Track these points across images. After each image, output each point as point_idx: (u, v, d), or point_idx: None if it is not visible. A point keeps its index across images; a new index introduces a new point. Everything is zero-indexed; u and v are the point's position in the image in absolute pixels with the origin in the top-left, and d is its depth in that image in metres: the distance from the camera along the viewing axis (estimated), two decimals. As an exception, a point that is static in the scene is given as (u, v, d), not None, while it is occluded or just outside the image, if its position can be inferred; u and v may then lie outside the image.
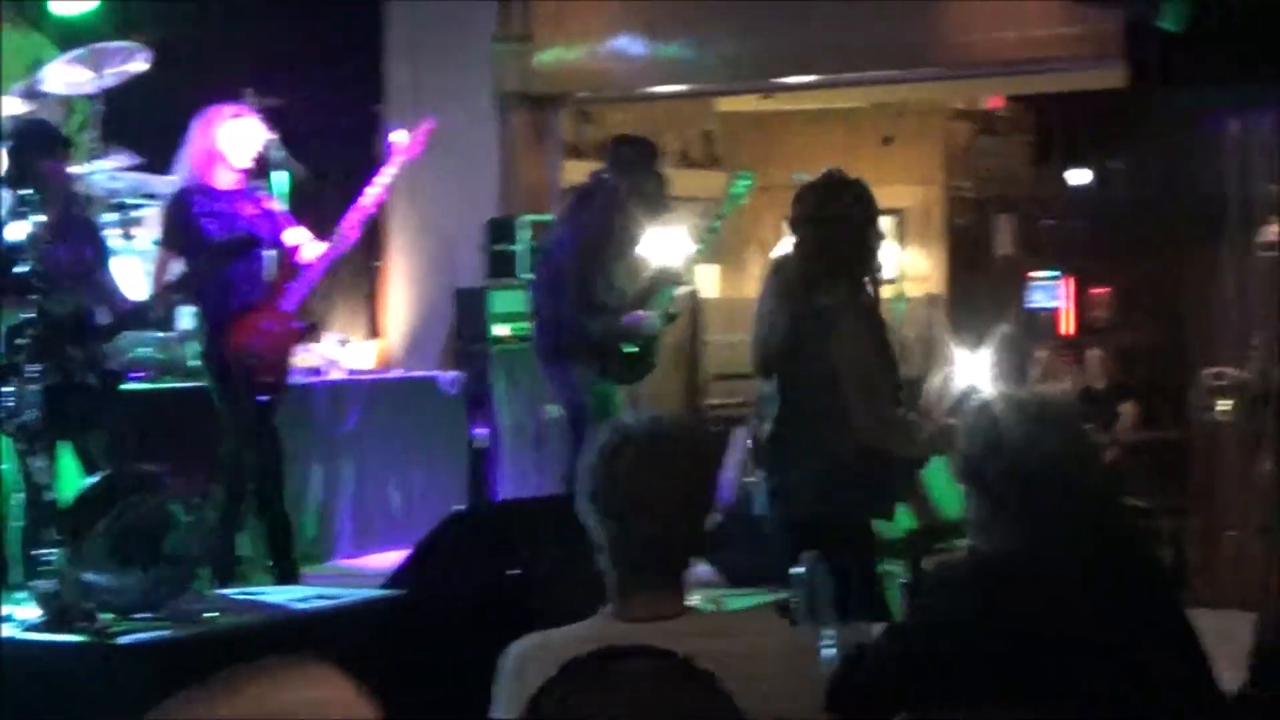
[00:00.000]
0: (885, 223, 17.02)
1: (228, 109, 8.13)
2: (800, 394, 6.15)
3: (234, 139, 8.05)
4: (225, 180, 8.03)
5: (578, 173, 11.46)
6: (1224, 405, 8.13)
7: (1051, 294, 19.18)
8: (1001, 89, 15.36)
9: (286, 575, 8.05)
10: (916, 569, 6.98)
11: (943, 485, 8.15)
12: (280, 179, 8.16)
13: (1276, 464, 7.51)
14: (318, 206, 8.91)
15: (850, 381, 6.02)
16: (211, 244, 7.96)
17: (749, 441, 9.79)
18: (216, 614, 6.04)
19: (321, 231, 8.32)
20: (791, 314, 6.21)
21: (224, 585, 7.40)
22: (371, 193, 8.18)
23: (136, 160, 9.35)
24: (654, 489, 3.33)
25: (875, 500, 6.24)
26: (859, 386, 6.04)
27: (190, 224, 7.99)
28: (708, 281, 15.37)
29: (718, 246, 10.93)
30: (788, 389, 6.18)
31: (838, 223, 6.26)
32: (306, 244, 8.13)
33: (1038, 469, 3.61)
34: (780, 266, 6.45)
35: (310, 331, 8.80)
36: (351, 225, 8.15)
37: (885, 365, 6.27)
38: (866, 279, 6.33)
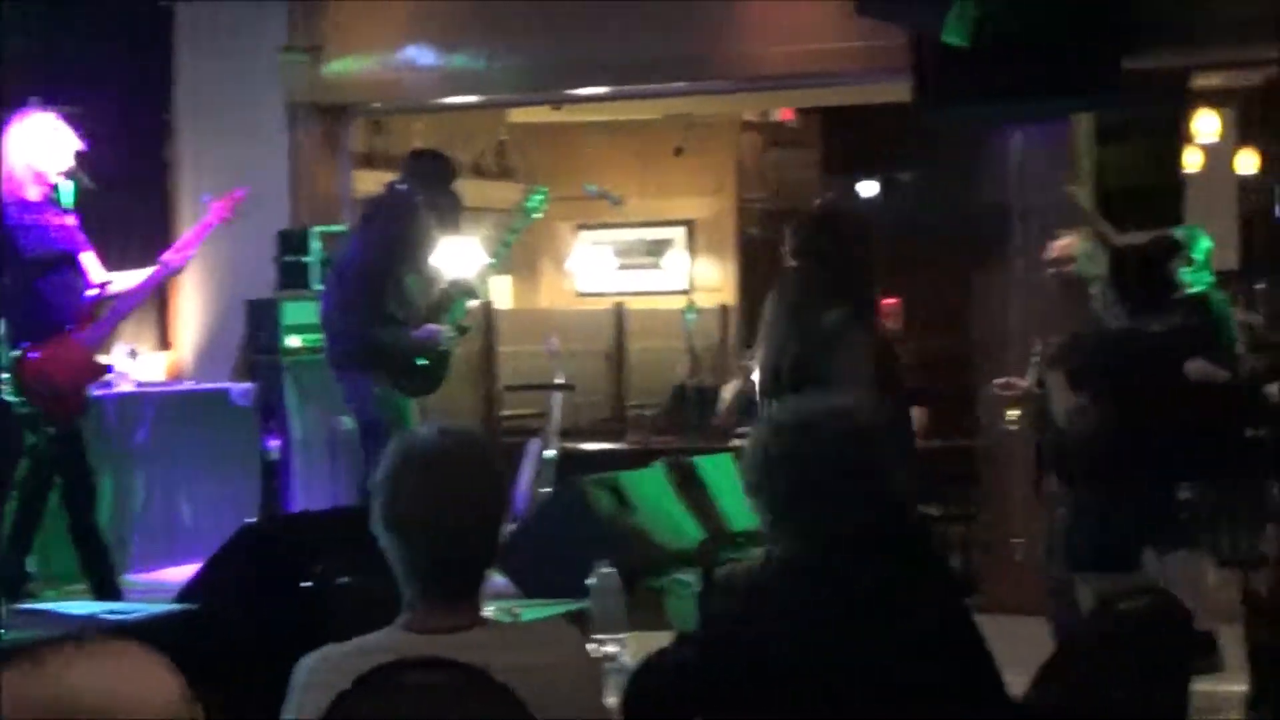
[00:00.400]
0: (676, 234, 17.20)
1: (46, 117, 7.94)
2: None
3: (52, 149, 7.87)
4: (34, 192, 7.86)
5: (370, 183, 11.41)
6: (1012, 415, 8.26)
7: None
8: (791, 101, 15.48)
9: (107, 597, 7.92)
10: (708, 578, 7.03)
11: (733, 494, 8.22)
12: (67, 190, 8.02)
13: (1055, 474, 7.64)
14: (102, 218, 8.79)
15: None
16: (27, 258, 7.77)
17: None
18: (2, 631, 5.93)
19: (107, 246, 8.19)
20: (797, 337, 6.47)
21: (14, 602, 7.26)
22: (180, 250, 8.10)
23: None
24: (442, 503, 3.33)
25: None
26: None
27: (4, 236, 7.78)
28: (501, 292, 15.37)
29: (511, 258, 10.93)
30: None
31: (835, 250, 6.61)
32: (118, 277, 8.02)
33: (822, 477, 3.65)
34: (782, 292, 6.74)
35: (107, 372, 8.66)
36: (162, 270, 8.07)
37: (884, 384, 6.45)
38: (865, 302, 6.60)
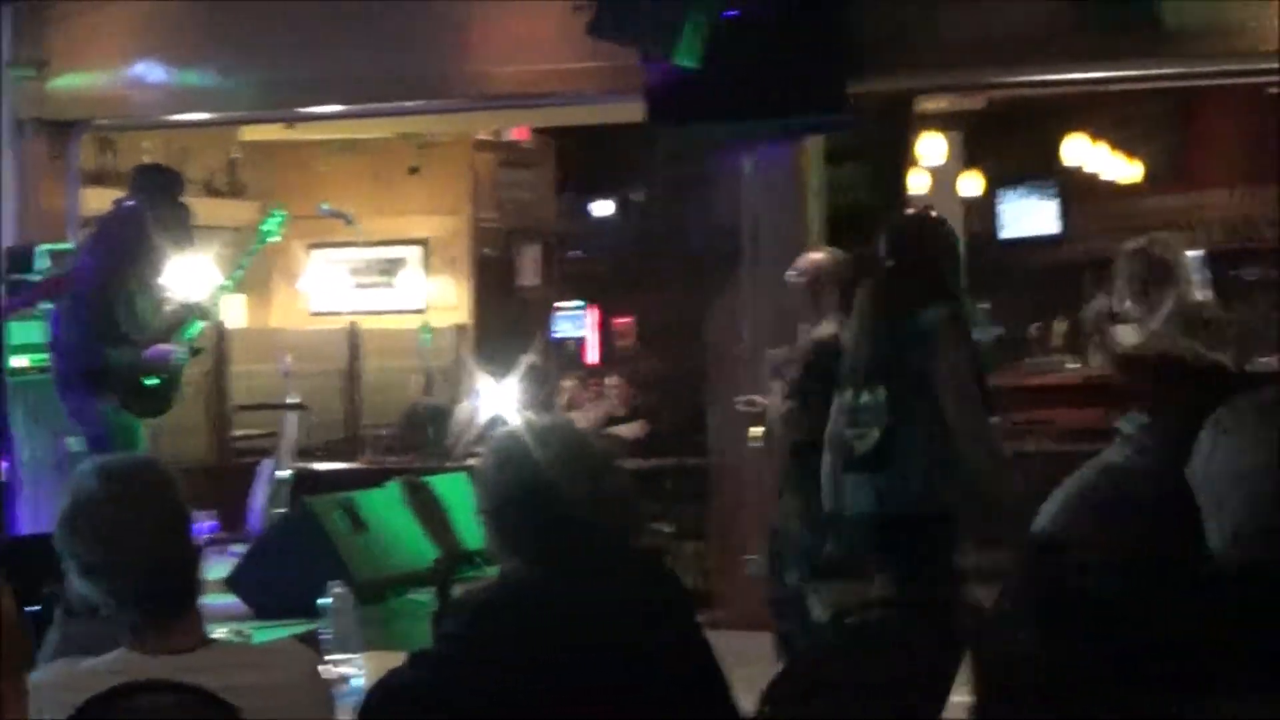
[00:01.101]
0: (411, 253, 17.12)
1: None
2: (908, 403, 6.76)
3: None
4: None
5: (100, 200, 11.22)
6: (755, 432, 8.34)
7: (577, 324, 19.48)
8: (525, 120, 15.53)
9: None
10: (444, 597, 7.01)
11: (469, 513, 8.22)
12: None
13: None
14: None
15: (949, 393, 6.71)
16: None
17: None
18: None
19: None
20: (891, 335, 6.86)
21: None
22: None
23: None
24: (121, 539, 3.31)
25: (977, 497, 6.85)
26: (957, 396, 6.73)
27: None
28: (233, 311, 15.20)
29: (244, 277, 10.83)
30: (896, 399, 6.77)
31: (928, 252, 7.10)
32: None
33: (550, 497, 3.67)
34: (874, 291, 7.11)
35: None
36: None
37: (979, 378, 6.97)
38: (958, 302, 7.11)
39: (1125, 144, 18.15)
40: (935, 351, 6.77)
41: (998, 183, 19.31)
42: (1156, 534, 3.89)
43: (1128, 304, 7.54)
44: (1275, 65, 10.71)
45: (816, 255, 8.51)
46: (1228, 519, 3.25)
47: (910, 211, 7.30)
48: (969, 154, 17.79)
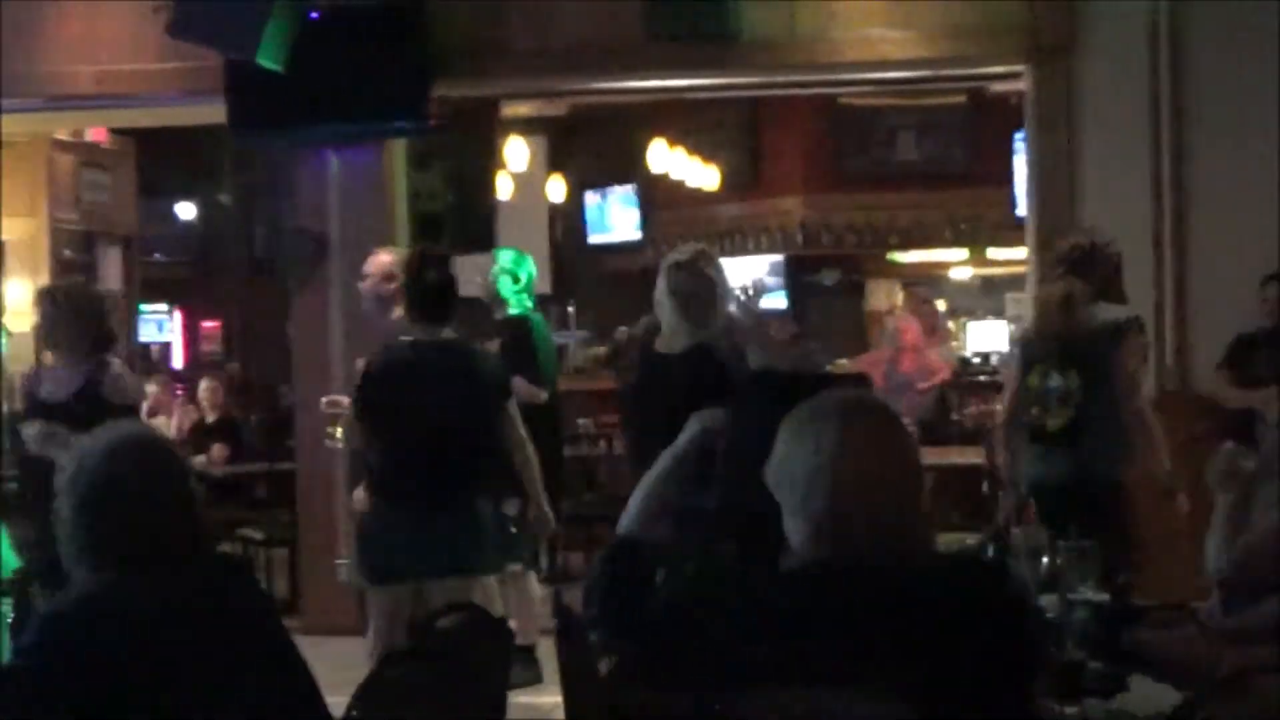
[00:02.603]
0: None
1: None
2: (1096, 388, 7.77)
3: None
4: None
5: None
6: (336, 432, 8.32)
7: (162, 328, 19.20)
8: (104, 121, 15.22)
9: None
10: (23, 609, 6.87)
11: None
12: None
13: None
14: None
15: (1134, 378, 8.00)
16: None
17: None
18: None
19: None
20: (1068, 332, 7.82)
21: None
22: None
23: None
24: None
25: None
26: (1134, 385, 7.98)
27: None
28: None
29: None
30: (1090, 383, 7.77)
31: (1098, 264, 8.03)
32: None
33: (123, 504, 3.64)
34: (1061, 292, 7.93)
35: None
36: None
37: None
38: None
39: (703, 151, 18.53)
40: (1121, 345, 7.84)
41: (582, 188, 19.57)
42: (731, 534, 4.02)
43: (673, 317, 7.33)
44: (848, 76, 11.11)
45: (383, 256, 8.55)
46: (809, 516, 3.37)
47: (1091, 233, 8.35)
48: (554, 159, 18.02)
